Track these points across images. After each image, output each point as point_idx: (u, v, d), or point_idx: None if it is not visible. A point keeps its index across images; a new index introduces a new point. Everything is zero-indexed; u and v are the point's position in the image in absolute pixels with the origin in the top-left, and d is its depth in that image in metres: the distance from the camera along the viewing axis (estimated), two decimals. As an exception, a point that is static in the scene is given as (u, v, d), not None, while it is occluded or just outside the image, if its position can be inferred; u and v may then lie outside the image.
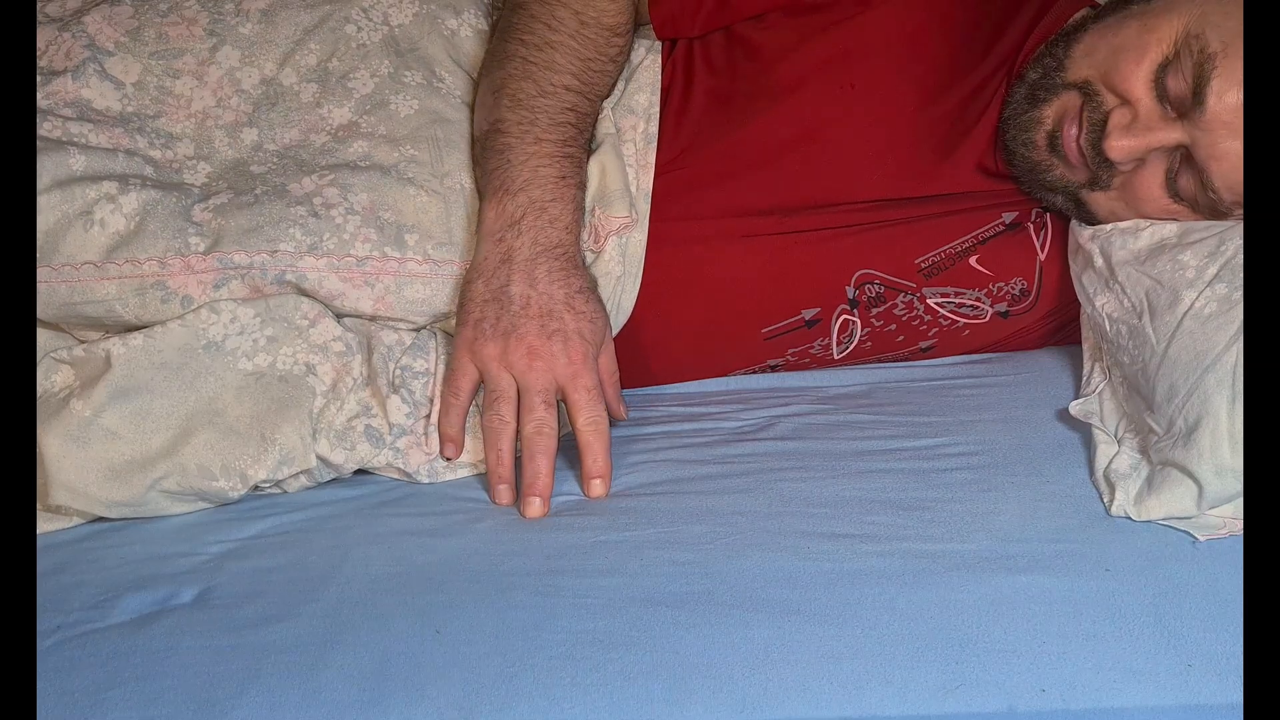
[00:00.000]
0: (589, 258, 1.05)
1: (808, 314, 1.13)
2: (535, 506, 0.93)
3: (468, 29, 1.15)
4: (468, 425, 0.99)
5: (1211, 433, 0.86)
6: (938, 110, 1.11)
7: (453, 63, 1.13)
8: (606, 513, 0.93)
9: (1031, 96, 1.07)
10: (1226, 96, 0.96)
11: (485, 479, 0.99)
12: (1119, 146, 1.01)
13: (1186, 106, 0.99)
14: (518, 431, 0.96)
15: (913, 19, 1.12)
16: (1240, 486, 0.85)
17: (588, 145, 1.08)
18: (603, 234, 1.05)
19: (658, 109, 1.11)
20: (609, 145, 1.08)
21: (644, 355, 1.13)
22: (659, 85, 1.13)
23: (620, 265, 1.06)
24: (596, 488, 0.95)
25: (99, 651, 0.77)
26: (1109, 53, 1.03)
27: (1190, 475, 0.86)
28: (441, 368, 1.01)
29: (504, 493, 0.95)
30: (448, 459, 0.98)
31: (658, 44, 1.16)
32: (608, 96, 1.12)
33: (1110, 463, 0.93)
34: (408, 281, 1.02)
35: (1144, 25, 1.02)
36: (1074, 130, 1.05)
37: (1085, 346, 1.10)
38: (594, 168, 1.07)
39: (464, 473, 0.99)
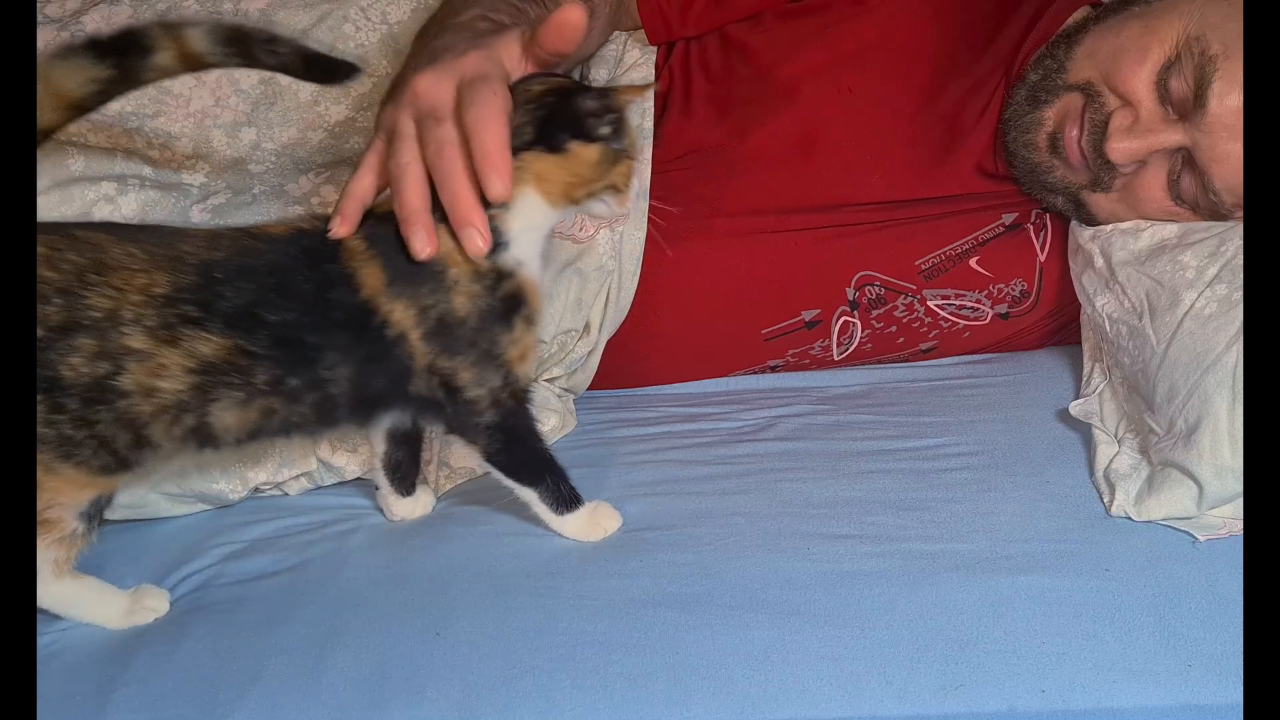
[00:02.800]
0: (574, 249, 1.05)
1: (808, 315, 1.13)
2: (475, 239, 0.76)
3: (466, 23, 1.14)
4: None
5: (1211, 433, 0.86)
6: (935, 111, 1.11)
7: (451, 57, 1.12)
8: (606, 514, 0.93)
9: (1033, 98, 1.07)
10: (1228, 99, 0.96)
11: (486, 479, 0.99)
12: (1120, 149, 1.01)
13: (1188, 108, 0.99)
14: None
15: (908, 18, 1.12)
16: (1240, 487, 0.85)
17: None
18: (592, 224, 1.05)
19: (652, 105, 1.11)
20: None
21: (643, 355, 1.13)
22: (652, 83, 1.13)
23: (614, 260, 1.06)
24: (495, 186, 0.75)
25: (100, 654, 0.77)
26: (1111, 54, 1.03)
27: (1190, 476, 0.86)
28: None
29: (421, 237, 0.76)
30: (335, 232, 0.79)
31: (650, 49, 1.16)
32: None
33: (1110, 463, 0.93)
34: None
35: (1145, 27, 1.02)
36: (1075, 132, 1.05)
37: (1085, 347, 1.10)
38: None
39: (462, 477, 0.99)
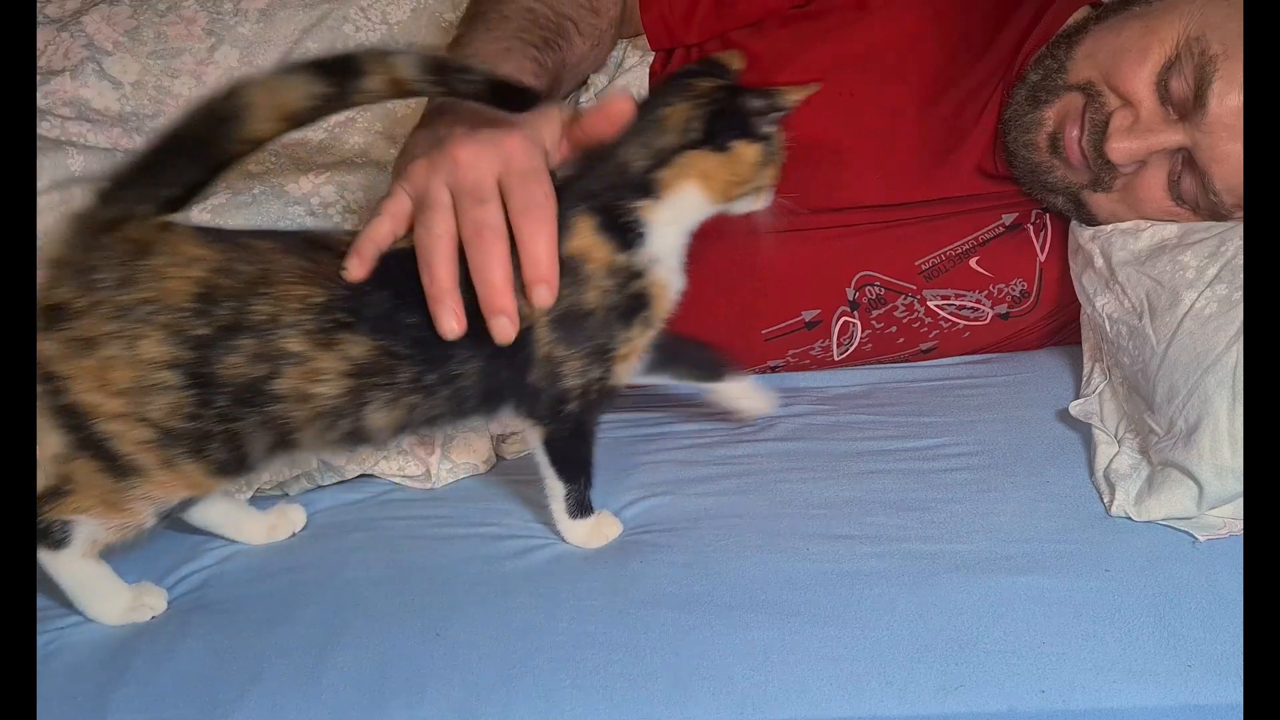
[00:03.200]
0: None
1: (808, 315, 1.13)
2: (505, 326, 0.77)
3: (467, 21, 1.14)
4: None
5: (1211, 433, 0.86)
6: (936, 113, 1.11)
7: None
8: (606, 514, 0.93)
9: (1033, 98, 1.07)
10: (1228, 99, 0.96)
11: (488, 478, 0.99)
12: (1121, 149, 1.01)
13: (1188, 109, 0.99)
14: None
15: (909, 20, 1.12)
16: (1240, 487, 0.85)
17: (548, 47, 1.00)
18: None
19: None
20: None
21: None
22: (648, 87, 1.13)
23: None
24: (542, 294, 0.77)
25: (100, 654, 0.77)
26: (1111, 54, 1.03)
27: (1190, 476, 0.86)
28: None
29: (449, 318, 0.76)
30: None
31: (650, 53, 1.16)
32: (580, 35, 1.06)
33: (1110, 463, 0.93)
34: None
35: (1146, 27, 1.02)
36: (1075, 131, 1.05)
37: (1085, 347, 1.10)
38: None
39: (464, 474, 0.99)
